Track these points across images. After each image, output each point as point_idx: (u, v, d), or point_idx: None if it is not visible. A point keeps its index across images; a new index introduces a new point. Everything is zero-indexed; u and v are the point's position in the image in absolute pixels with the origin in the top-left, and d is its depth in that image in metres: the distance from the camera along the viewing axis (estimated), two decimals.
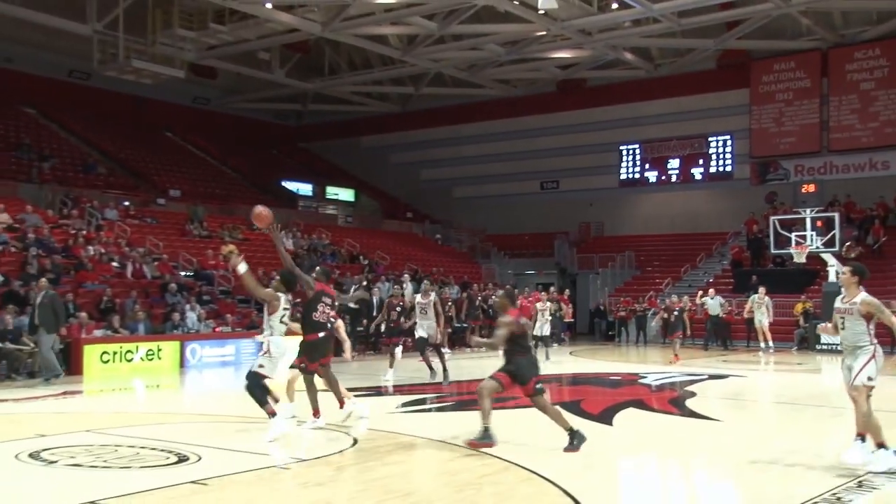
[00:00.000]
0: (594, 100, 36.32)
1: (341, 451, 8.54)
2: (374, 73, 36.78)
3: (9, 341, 15.97)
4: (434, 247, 36.38)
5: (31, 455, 8.13)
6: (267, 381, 9.18)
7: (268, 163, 39.61)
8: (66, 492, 6.75)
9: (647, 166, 36.03)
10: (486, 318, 25.91)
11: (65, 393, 13.95)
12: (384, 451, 8.53)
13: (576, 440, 8.19)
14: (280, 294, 9.39)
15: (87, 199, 25.60)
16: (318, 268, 10.69)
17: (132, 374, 17.39)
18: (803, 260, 24.26)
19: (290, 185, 37.23)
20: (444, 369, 14.81)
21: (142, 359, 17.92)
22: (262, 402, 8.99)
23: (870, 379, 7.32)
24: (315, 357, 9.72)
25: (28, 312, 16.19)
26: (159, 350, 18.34)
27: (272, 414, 8.95)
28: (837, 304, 7.69)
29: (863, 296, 7.47)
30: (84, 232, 22.79)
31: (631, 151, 36.33)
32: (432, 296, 15.18)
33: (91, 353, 17.10)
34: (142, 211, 27.19)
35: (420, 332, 14.91)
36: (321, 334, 9.66)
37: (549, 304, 20.97)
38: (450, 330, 22.28)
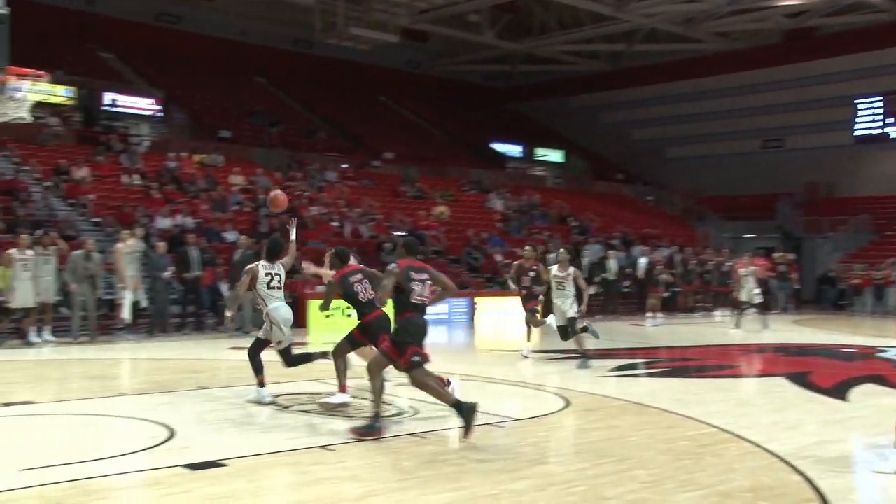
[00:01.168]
0: (826, 50, 33.66)
1: (553, 413, 8.58)
2: (584, 31, 36.09)
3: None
4: (646, 209, 35.45)
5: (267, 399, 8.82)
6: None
7: (477, 124, 40.14)
8: (299, 435, 7.25)
9: (889, 120, 33.04)
10: (703, 283, 25.01)
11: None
12: (597, 415, 8.47)
13: (464, 412, 7.06)
14: (259, 266, 8.90)
15: (309, 161, 27.19)
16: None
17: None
18: None
19: (500, 147, 37.54)
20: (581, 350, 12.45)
21: None
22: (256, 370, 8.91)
23: None
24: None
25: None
26: None
27: (261, 384, 8.96)
28: None
29: None
30: (307, 193, 24.23)
31: (869, 105, 33.43)
32: (571, 269, 12.48)
33: (314, 308, 18.19)
34: (359, 173, 28.45)
35: (555, 318, 12.50)
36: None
37: (752, 268, 19.09)
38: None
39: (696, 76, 37.15)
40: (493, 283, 22.61)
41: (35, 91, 7.49)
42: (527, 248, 13.62)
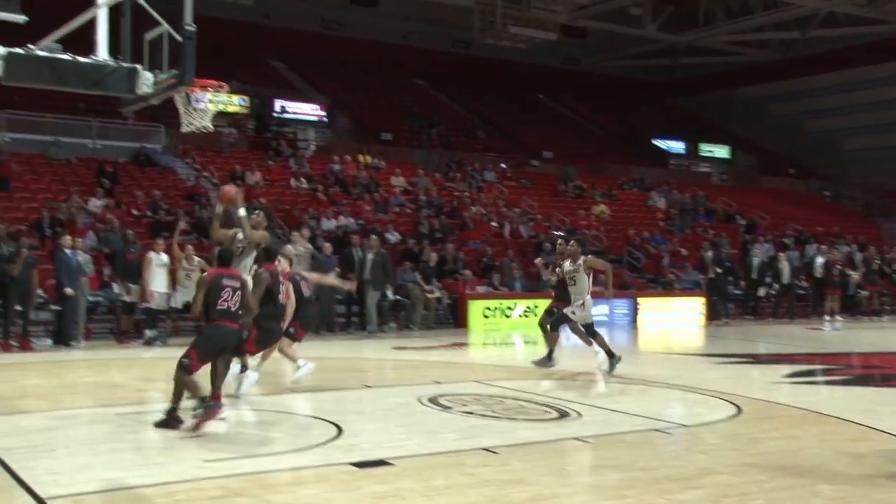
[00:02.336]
0: None
1: (723, 420, 8.21)
2: (754, 19, 34.45)
3: (401, 294, 17.69)
4: (821, 204, 33.47)
5: (430, 399, 8.94)
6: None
7: (637, 120, 39.24)
8: (463, 437, 7.29)
9: None
10: (891, 283, 23.39)
11: (453, 344, 15.16)
12: (772, 424, 8.03)
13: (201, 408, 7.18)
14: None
15: (468, 161, 27.45)
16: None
17: (511, 328, 18.37)
18: None
19: (661, 143, 36.53)
20: (607, 352, 11.48)
21: (520, 315, 18.82)
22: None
23: None
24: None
25: (420, 268, 17.85)
26: (535, 307, 19.01)
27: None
28: None
29: None
30: (467, 193, 24.46)
31: None
32: (581, 259, 11.30)
33: (475, 308, 18.35)
34: (517, 172, 28.45)
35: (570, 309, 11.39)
36: None
37: None
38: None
39: (879, 61, 34.60)
40: (657, 283, 22.02)
41: (216, 101, 7.88)
42: (559, 241, 12.63)
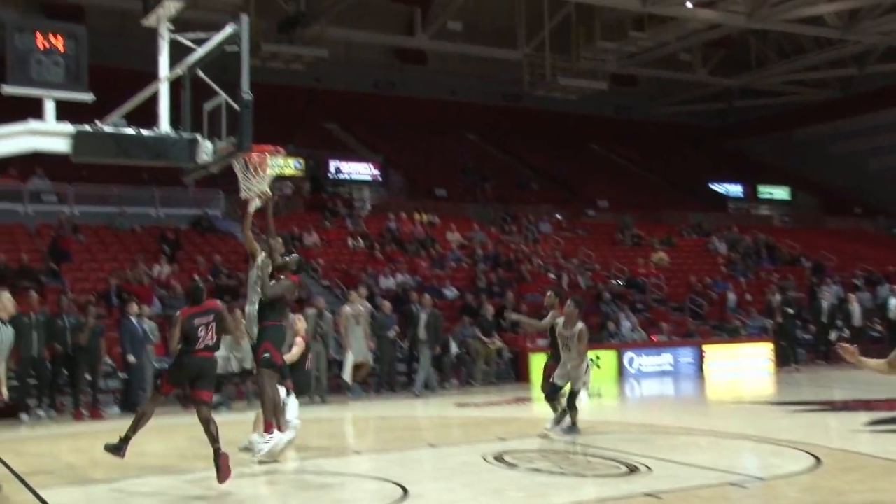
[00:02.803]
0: None
1: (802, 472, 7.93)
2: (808, 59, 34.18)
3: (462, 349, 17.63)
4: (891, 243, 32.55)
5: (495, 457, 8.83)
6: None
7: (693, 166, 38.93)
8: (531, 495, 7.17)
9: None
10: None
11: (516, 399, 15.01)
12: (856, 475, 7.72)
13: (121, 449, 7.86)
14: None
15: (523, 214, 27.49)
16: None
17: None
18: None
19: (718, 187, 36.13)
20: (573, 423, 10.33)
21: None
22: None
23: None
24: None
25: (476, 322, 17.82)
26: (598, 359, 18.81)
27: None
28: None
29: None
30: (523, 246, 24.45)
31: None
32: (579, 325, 10.06)
33: (536, 361, 18.13)
34: (573, 223, 28.38)
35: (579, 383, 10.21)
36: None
37: None
38: None
39: None
40: (722, 329, 21.59)
41: (273, 165, 8.12)
42: (549, 293, 11.18)
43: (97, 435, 11.86)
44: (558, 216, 28.41)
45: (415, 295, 18.06)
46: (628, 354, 19.32)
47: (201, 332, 7.73)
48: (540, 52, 30.43)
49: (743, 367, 19.72)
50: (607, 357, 19.02)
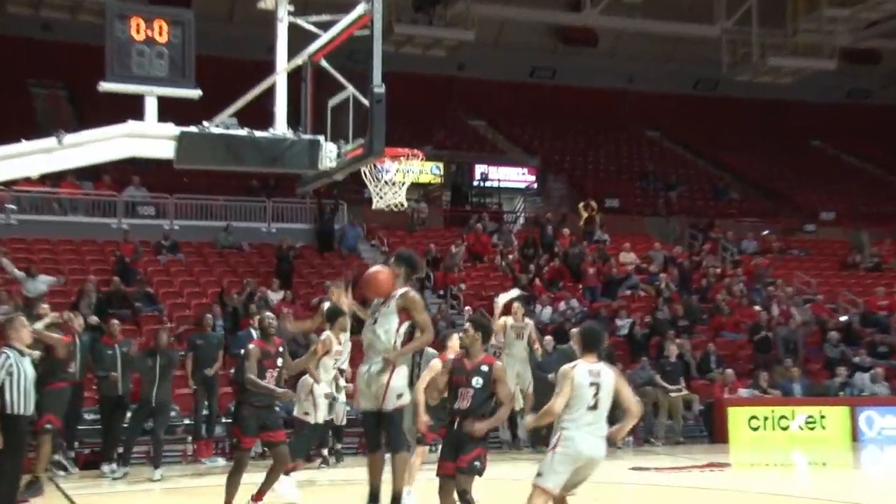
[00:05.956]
0: None
1: None
2: None
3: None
4: None
5: None
6: None
7: None
8: None
9: None
10: None
11: (710, 464, 14.72)
12: None
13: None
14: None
15: (719, 229, 27.02)
16: None
17: (789, 445, 17.62)
18: None
19: None
20: None
21: (800, 427, 18.08)
22: None
23: None
24: None
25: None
26: (822, 417, 18.27)
27: None
28: None
29: None
30: (719, 270, 24.00)
31: None
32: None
33: (736, 417, 17.80)
34: (786, 241, 27.71)
35: None
36: None
37: None
38: None
39: None
40: None
41: (405, 171, 8.31)
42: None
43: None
44: (766, 232, 27.79)
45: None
46: (866, 413, 18.69)
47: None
48: (745, 25, 29.86)
49: None
50: (835, 414, 18.44)
